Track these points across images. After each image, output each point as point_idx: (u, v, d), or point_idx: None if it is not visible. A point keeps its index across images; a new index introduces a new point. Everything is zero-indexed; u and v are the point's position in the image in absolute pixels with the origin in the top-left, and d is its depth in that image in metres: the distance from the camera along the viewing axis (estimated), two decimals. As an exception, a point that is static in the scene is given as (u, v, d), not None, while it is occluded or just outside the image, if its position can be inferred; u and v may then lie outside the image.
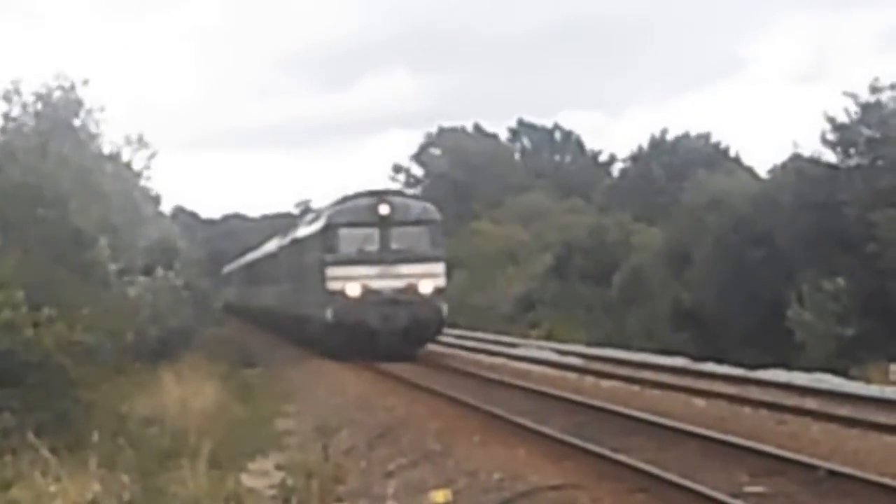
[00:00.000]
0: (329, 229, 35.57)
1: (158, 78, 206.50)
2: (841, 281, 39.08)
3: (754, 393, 22.82)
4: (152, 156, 37.87)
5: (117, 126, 60.58)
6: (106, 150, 34.76)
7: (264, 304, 57.70)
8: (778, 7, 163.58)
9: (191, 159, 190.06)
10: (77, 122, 31.20)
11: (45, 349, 19.25)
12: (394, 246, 34.79)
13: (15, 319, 19.28)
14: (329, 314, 34.44)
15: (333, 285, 34.45)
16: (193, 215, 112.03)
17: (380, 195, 36.10)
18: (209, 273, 78.48)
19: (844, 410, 19.27)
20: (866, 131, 41.75)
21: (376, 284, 34.28)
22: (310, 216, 42.15)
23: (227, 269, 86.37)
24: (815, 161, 43.80)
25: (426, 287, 34.56)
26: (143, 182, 39.93)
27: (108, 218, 31.20)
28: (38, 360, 19.23)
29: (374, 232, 34.82)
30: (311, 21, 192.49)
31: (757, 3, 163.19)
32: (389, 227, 34.83)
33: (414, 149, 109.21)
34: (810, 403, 20.52)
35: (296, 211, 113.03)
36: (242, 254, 76.41)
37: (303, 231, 41.59)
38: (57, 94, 30.98)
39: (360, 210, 35.35)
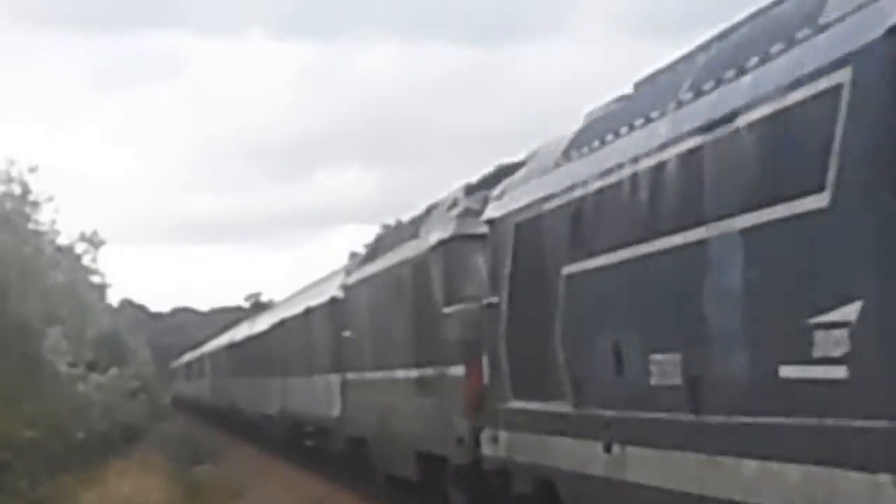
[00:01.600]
0: None
1: (108, 169, 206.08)
2: None
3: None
4: (100, 245, 36.79)
5: (66, 217, 59.36)
6: (55, 240, 33.86)
7: (290, 408, 32.94)
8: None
9: (140, 252, 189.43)
10: (26, 210, 30.28)
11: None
12: None
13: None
14: None
15: None
16: (142, 308, 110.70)
17: None
18: (158, 367, 77.20)
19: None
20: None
21: None
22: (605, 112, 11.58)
23: (190, 356, 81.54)
24: None
25: None
26: (91, 276, 38.85)
27: (54, 310, 30.10)
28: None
29: None
30: (265, 113, 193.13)
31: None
32: None
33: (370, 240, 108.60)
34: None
35: (246, 304, 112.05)
36: (211, 336, 66.53)
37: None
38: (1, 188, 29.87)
39: None
